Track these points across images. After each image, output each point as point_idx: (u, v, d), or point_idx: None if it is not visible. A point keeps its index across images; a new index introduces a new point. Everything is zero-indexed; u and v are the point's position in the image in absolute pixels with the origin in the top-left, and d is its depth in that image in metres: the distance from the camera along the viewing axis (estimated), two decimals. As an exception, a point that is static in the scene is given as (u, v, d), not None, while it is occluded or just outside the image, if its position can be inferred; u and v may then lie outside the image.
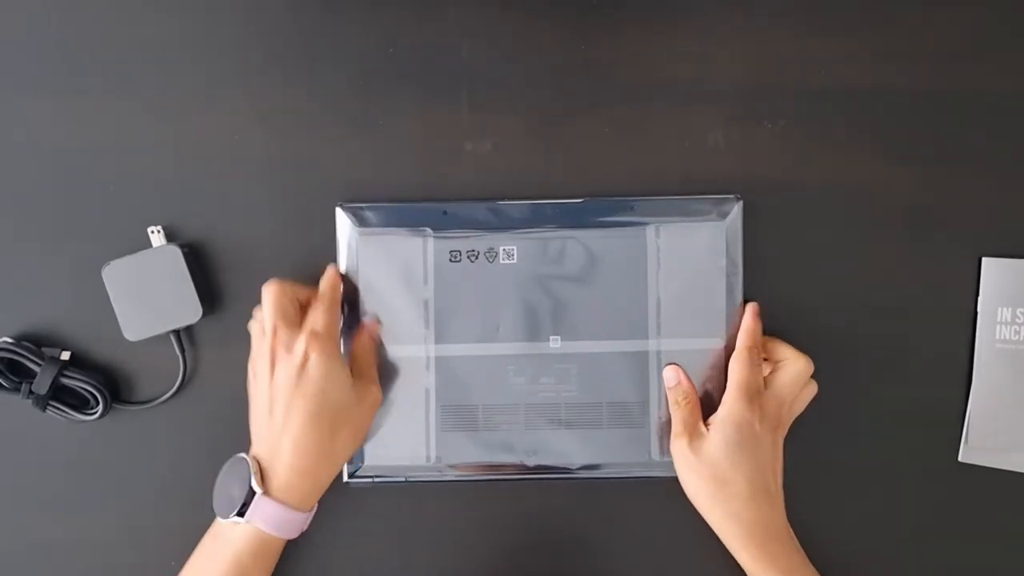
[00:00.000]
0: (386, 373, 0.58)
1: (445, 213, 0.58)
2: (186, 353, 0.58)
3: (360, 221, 0.58)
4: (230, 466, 0.54)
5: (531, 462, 0.59)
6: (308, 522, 0.55)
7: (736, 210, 0.58)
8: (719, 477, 0.54)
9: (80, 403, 0.58)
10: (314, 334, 0.53)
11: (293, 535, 0.54)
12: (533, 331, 0.58)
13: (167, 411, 0.59)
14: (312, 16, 0.59)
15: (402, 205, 0.58)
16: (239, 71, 0.59)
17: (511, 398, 0.58)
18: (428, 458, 0.58)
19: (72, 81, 0.59)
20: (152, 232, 0.58)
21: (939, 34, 0.60)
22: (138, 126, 0.59)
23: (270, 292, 0.54)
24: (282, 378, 0.53)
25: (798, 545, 0.56)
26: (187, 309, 0.57)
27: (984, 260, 0.60)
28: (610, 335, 0.58)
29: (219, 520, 0.53)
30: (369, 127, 0.59)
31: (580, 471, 0.59)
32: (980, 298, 0.60)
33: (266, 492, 0.52)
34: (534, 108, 0.60)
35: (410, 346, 0.58)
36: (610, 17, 0.59)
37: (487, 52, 0.59)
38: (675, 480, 0.57)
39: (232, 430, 0.57)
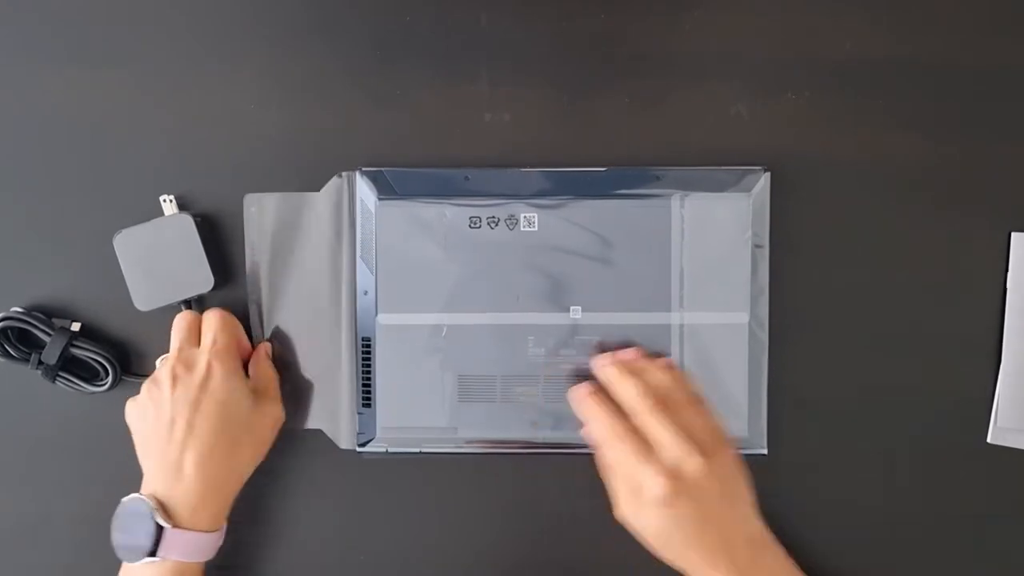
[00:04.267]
0: (400, 337, 0.57)
1: (466, 179, 0.57)
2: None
3: (379, 187, 0.57)
4: (123, 511, 0.51)
5: (549, 436, 0.57)
6: (222, 538, 0.54)
7: (763, 182, 0.57)
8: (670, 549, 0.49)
9: (90, 374, 0.57)
10: (215, 351, 0.54)
11: (210, 556, 0.53)
12: (553, 301, 0.57)
13: (178, 384, 0.58)
14: (329, -16, 0.58)
15: (422, 171, 0.57)
16: (255, 41, 0.58)
17: (530, 369, 0.57)
18: (444, 428, 0.57)
19: (86, 51, 0.58)
20: (164, 201, 0.57)
21: (969, 5, 0.59)
22: (152, 95, 0.58)
23: (177, 319, 0.55)
24: (182, 395, 0.52)
25: (764, 540, 0.51)
26: (199, 279, 0.56)
27: (1014, 235, 0.58)
28: (632, 307, 0.57)
29: (129, 565, 0.51)
30: (386, 98, 0.58)
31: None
32: (1010, 274, 0.58)
33: (175, 525, 0.51)
34: (554, 80, 0.59)
35: (427, 314, 0.57)
36: (631, -14, 0.59)
37: (506, 22, 0.59)
38: None
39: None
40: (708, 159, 0.58)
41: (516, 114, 0.59)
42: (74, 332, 0.57)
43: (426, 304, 0.57)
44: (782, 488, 0.57)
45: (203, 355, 0.53)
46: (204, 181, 0.58)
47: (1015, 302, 0.58)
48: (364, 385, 0.57)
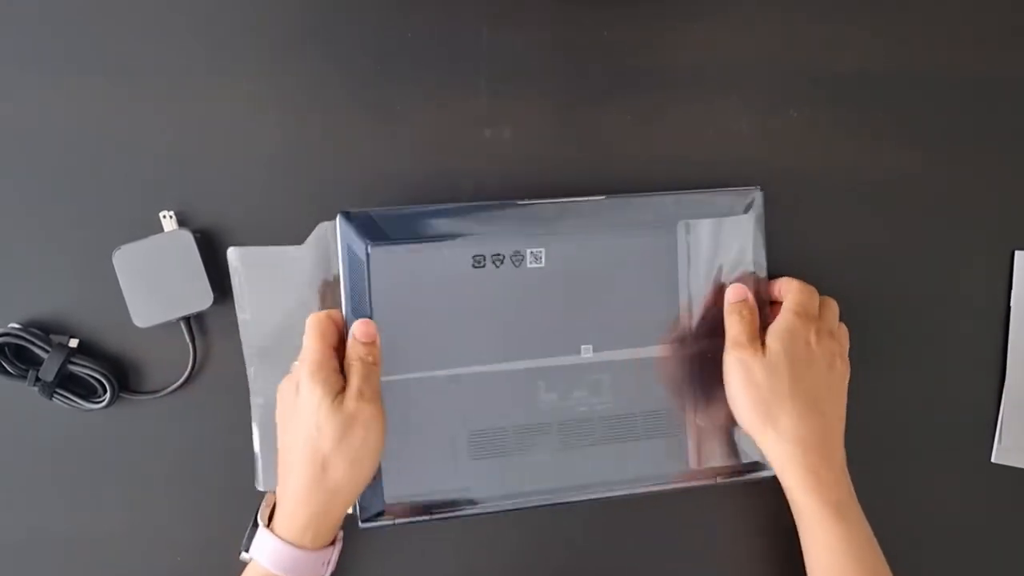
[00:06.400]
0: (406, 397, 0.53)
1: (464, 216, 0.54)
2: (196, 341, 0.57)
3: (369, 232, 0.52)
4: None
5: (568, 484, 0.55)
6: (325, 565, 0.52)
7: (758, 201, 0.56)
8: (774, 390, 0.52)
9: (87, 391, 0.57)
10: (302, 360, 0.51)
11: None
12: (564, 341, 0.54)
13: (176, 401, 0.57)
14: (329, -1, 0.58)
15: (415, 209, 0.53)
16: (254, 55, 0.58)
17: (543, 416, 0.54)
18: (456, 490, 0.54)
19: (85, 65, 0.58)
20: (164, 217, 0.57)
21: (968, 20, 0.58)
22: (152, 110, 0.58)
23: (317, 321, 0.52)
24: (279, 401, 0.53)
25: (851, 485, 0.54)
26: (198, 295, 0.56)
27: (1017, 253, 0.58)
28: (643, 340, 0.55)
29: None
30: (386, 112, 0.58)
31: (618, 487, 0.55)
32: (1013, 293, 0.58)
33: (267, 525, 0.51)
34: (554, 95, 0.58)
35: (431, 369, 0.53)
36: (631, 3, 0.58)
37: (507, 38, 0.58)
38: (717, 488, 0.55)
39: (242, 421, 0.56)
40: (709, 174, 0.58)
41: (516, 129, 0.58)
42: (72, 349, 0.56)
43: (429, 357, 0.54)
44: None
45: (296, 365, 0.52)
46: (204, 197, 0.58)
47: (1018, 320, 0.58)
48: None
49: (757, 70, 0.58)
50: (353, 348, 0.52)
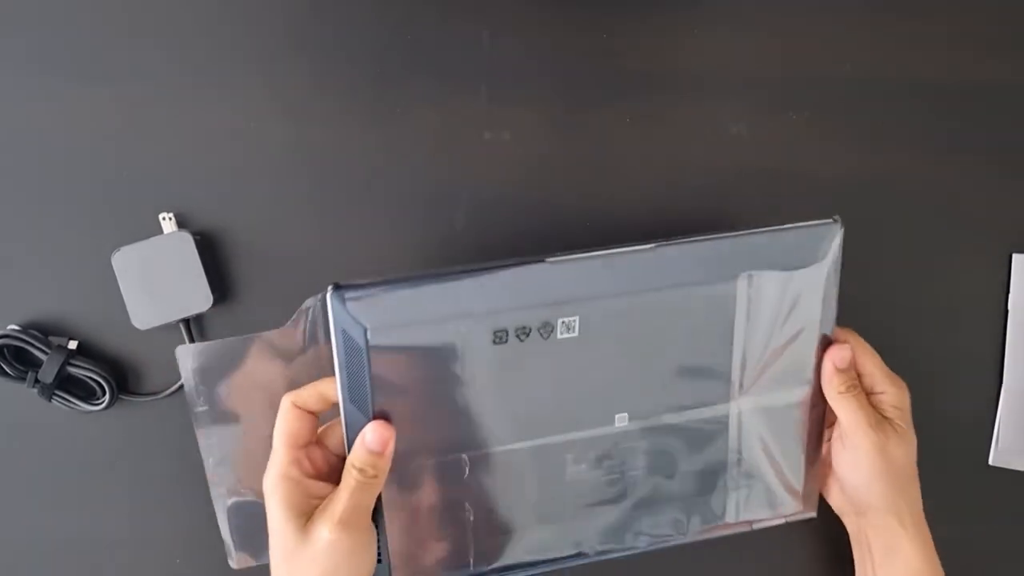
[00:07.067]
0: (416, 485, 0.47)
1: (483, 283, 0.44)
2: (196, 342, 0.57)
3: (366, 312, 0.43)
4: None
5: (595, 549, 0.51)
6: None
7: (838, 239, 0.48)
8: (904, 474, 0.52)
9: (87, 393, 0.57)
10: (268, 466, 0.45)
11: None
12: (596, 413, 0.48)
13: (175, 403, 0.57)
14: (329, 1, 0.58)
15: (424, 280, 0.43)
16: (253, 57, 0.58)
17: (571, 488, 0.49)
18: (472, 570, 0.49)
19: (84, 68, 0.58)
20: (163, 219, 0.57)
21: (969, 25, 0.59)
22: (151, 112, 0.58)
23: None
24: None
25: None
26: (197, 297, 0.56)
27: (1015, 256, 0.58)
28: (685, 404, 0.49)
29: None
30: (385, 114, 0.58)
31: (649, 543, 0.52)
32: (1011, 296, 0.58)
33: None
34: (555, 98, 0.59)
35: (443, 455, 0.47)
36: (633, 6, 0.59)
37: (507, 41, 0.58)
38: (745, 536, 0.53)
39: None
40: (708, 177, 0.58)
41: (516, 132, 0.58)
42: (71, 350, 0.56)
43: (440, 443, 0.47)
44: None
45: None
46: (204, 199, 0.58)
47: (1016, 323, 0.58)
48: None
49: (756, 73, 0.59)
50: (356, 453, 0.44)
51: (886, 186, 0.58)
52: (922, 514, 0.53)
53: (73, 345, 0.56)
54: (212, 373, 0.52)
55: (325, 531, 0.42)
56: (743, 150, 0.58)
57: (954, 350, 0.59)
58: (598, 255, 0.45)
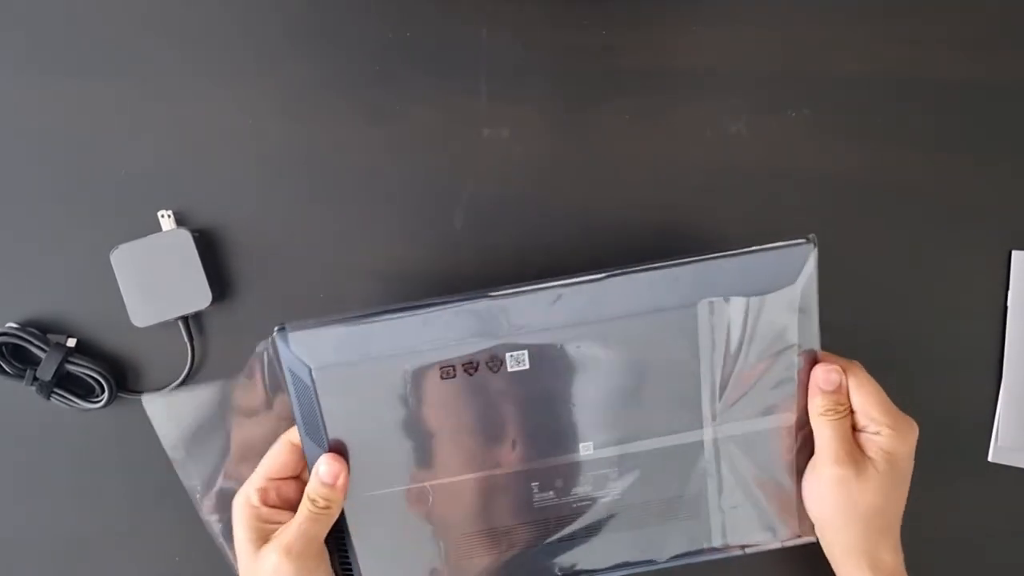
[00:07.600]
0: (381, 513, 0.48)
1: (427, 320, 0.45)
2: (194, 340, 0.57)
3: (311, 352, 0.45)
4: None
5: (570, 574, 0.50)
6: None
7: (811, 261, 0.46)
8: (882, 518, 0.49)
9: (85, 391, 0.57)
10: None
11: None
12: (558, 442, 0.48)
13: (174, 400, 0.57)
14: (329, -1, 0.58)
15: (367, 319, 0.45)
16: (253, 54, 0.58)
17: (539, 515, 0.49)
18: None
19: (83, 64, 0.58)
20: (162, 216, 0.57)
21: (967, 22, 0.59)
22: (150, 110, 0.58)
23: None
24: None
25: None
26: (196, 295, 0.56)
27: (1014, 253, 0.58)
28: (654, 431, 0.48)
29: None
30: (384, 112, 0.58)
31: (628, 567, 0.51)
32: (1010, 292, 0.58)
33: None
34: (553, 95, 0.58)
35: (403, 485, 0.47)
36: (632, 3, 0.59)
37: (506, 38, 0.58)
38: (738, 560, 0.52)
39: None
40: (707, 175, 0.58)
41: (515, 130, 0.58)
42: (70, 348, 0.56)
43: (400, 473, 0.47)
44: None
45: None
46: (203, 196, 0.58)
47: (1015, 320, 0.58)
48: (344, 567, 0.49)
49: (756, 71, 0.59)
50: (311, 485, 0.46)
51: (885, 184, 0.58)
52: (900, 568, 0.49)
53: (72, 343, 0.56)
54: (185, 424, 0.51)
55: (273, 556, 0.45)
56: (742, 148, 0.58)
57: (954, 347, 0.58)
58: (542, 287, 0.45)
